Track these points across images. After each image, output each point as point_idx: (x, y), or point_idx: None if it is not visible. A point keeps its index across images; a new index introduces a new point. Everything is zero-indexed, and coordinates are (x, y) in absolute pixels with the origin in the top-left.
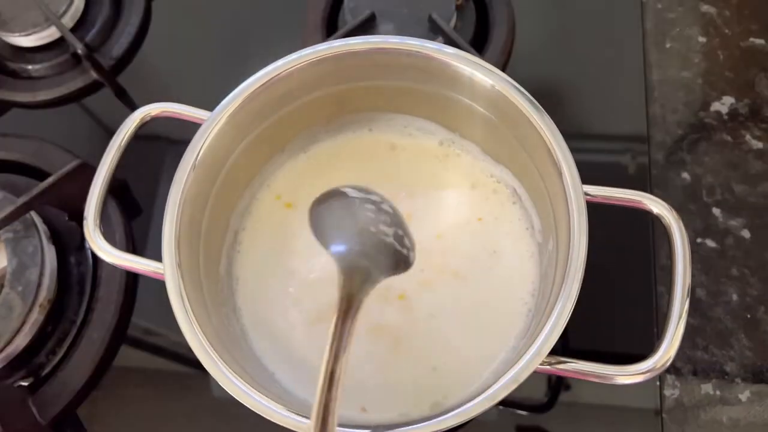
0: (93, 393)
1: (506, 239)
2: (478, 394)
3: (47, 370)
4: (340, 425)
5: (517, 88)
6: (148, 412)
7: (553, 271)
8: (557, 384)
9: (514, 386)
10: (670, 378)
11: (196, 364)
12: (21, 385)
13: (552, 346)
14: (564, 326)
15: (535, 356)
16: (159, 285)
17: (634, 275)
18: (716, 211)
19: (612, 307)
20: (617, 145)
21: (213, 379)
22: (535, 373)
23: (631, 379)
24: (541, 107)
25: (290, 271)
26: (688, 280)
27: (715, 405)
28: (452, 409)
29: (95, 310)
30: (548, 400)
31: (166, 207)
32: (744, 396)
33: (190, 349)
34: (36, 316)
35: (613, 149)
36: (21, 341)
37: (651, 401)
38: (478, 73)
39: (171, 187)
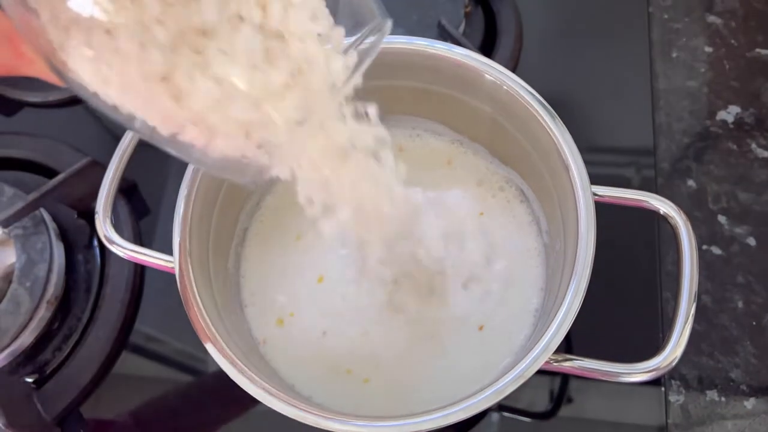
0: (97, 390)
1: (513, 237)
2: (486, 389)
3: (53, 366)
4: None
5: (525, 89)
6: (151, 411)
7: (561, 270)
8: (560, 394)
9: (521, 381)
10: (675, 384)
11: (198, 366)
12: (26, 381)
13: (559, 343)
14: (572, 322)
15: (543, 352)
16: (165, 285)
17: (639, 281)
18: (722, 218)
19: (618, 314)
20: (624, 153)
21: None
22: (540, 375)
23: (637, 377)
24: (549, 106)
25: (296, 270)
26: (696, 279)
27: (721, 412)
28: (460, 403)
29: (102, 308)
30: (551, 410)
31: (177, 199)
32: (749, 403)
33: (193, 349)
34: (43, 313)
35: (619, 157)
36: (28, 337)
37: (655, 416)
38: (487, 73)
39: (182, 180)
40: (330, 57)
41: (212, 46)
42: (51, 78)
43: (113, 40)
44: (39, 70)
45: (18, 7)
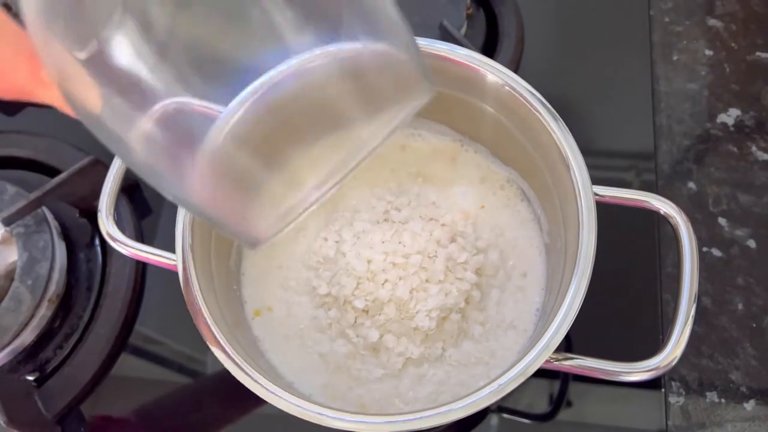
0: (98, 389)
1: (514, 233)
2: (487, 387)
3: (54, 364)
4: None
5: (527, 88)
6: (152, 410)
7: (561, 269)
8: (560, 398)
9: (522, 380)
10: (675, 386)
11: (199, 366)
12: (27, 379)
13: (560, 341)
14: (572, 321)
15: (544, 350)
16: (166, 285)
17: (640, 282)
18: (722, 220)
19: (618, 314)
20: (624, 155)
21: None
22: (540, 377)
23: (637, 376)
24: (550, 107)
25: (296, 269)
26: (696, 278)
27: (721, 414)
28: (461, 401)
29: (103, 307)
30: (550, 414)
31: None
32: (749, 405)
33: (194, 349)
34: (44, 311)
35: (620, 159)
36: (29, 335)
37: (656, 420)
38: (488, 73)
39: None
40: None
41: None
42: (65, 108)
43: None
44: (55, 97)
45: (42, 30)
